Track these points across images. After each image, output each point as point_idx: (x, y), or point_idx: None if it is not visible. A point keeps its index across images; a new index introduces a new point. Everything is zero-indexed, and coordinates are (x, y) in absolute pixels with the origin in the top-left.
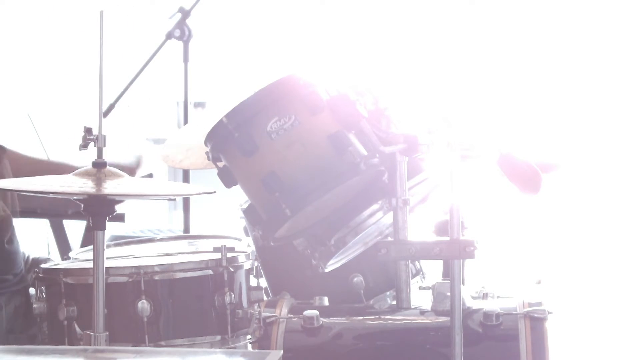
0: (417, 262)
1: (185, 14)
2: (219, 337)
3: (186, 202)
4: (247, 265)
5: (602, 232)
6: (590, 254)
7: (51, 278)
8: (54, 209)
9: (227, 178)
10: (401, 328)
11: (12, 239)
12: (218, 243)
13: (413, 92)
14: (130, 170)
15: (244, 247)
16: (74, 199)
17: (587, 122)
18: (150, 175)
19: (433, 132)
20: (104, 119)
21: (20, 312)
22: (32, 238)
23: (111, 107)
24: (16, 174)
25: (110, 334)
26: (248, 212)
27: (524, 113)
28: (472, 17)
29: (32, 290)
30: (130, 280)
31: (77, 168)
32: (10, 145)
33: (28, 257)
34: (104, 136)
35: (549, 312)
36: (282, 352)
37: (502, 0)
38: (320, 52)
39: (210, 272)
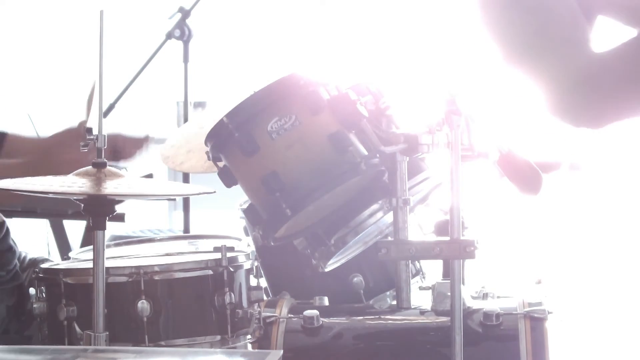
0: (417, 262)
1: (185, 14)
2: (219, 337)
3: (186, 202)
4: (247, 265)
5: (603, 232)
6: (590, 254)
7: (51, 278)
8: (54, 209)
9: (227, 178)
10: (401, 328)
11: (5, 238)
12: (218, 243)
13: (414, 91)
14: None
15: (244, 247)
16: (74, 199)
17: None
18: (150, 175)
19: (433, 132)
20: (104, 119)
21: (13, 312)
22: (32, 238)
23: (111, 107)
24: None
25: (110, 334)
26: (248, 212)
27: (524, 112)
28: (472, 17)
29: (32, 290)
30: (130, 280)
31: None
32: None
33: (25, 257)
34: (104, 136)
35: (549, 312)
36: (282, 352)
37: None
38: (320, 51)
39: (210, 272)
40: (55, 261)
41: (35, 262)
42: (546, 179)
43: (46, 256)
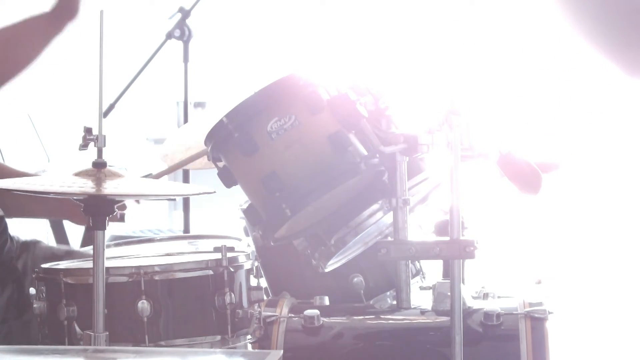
0: (417, 262)
1: (185, 14)
2: (219, 337)
3: (186, 202)
4: (247, 265)
5: (603, 232)
6: (591, 254)
7: (51, 278)
8: None
9: (227, 178)
10: (401, 328)
11: (4, 233)
12: (218, 243)
13: (413, 91)
14: None
15: (244, 247)
16: (74, 199)
17: (587, 122)
18: (150, 175)
19: (433, 132)
20: (104, 119)
21: (13, 301)
22: (32, 238)
23: (111, 107)
24: None
25: (110, 334)
26: (248, 212)
27: (524, 112)
28: (472, 16)
29: (32, 290)
30: (130, 280)
31: None
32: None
33: (17, 240)
34: (104, 136)
35: (549, 312)
36: (282, 352)
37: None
38: (320, 52)
39: (210, 272)
40: (43, 242)
41: (27, 245)
42: (546, 179)
43: (38, 238)
